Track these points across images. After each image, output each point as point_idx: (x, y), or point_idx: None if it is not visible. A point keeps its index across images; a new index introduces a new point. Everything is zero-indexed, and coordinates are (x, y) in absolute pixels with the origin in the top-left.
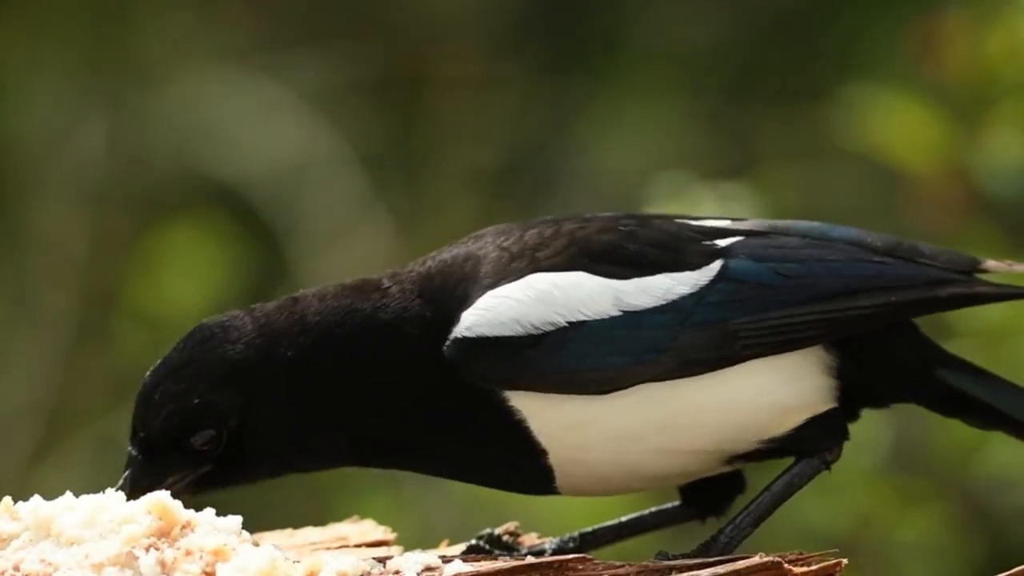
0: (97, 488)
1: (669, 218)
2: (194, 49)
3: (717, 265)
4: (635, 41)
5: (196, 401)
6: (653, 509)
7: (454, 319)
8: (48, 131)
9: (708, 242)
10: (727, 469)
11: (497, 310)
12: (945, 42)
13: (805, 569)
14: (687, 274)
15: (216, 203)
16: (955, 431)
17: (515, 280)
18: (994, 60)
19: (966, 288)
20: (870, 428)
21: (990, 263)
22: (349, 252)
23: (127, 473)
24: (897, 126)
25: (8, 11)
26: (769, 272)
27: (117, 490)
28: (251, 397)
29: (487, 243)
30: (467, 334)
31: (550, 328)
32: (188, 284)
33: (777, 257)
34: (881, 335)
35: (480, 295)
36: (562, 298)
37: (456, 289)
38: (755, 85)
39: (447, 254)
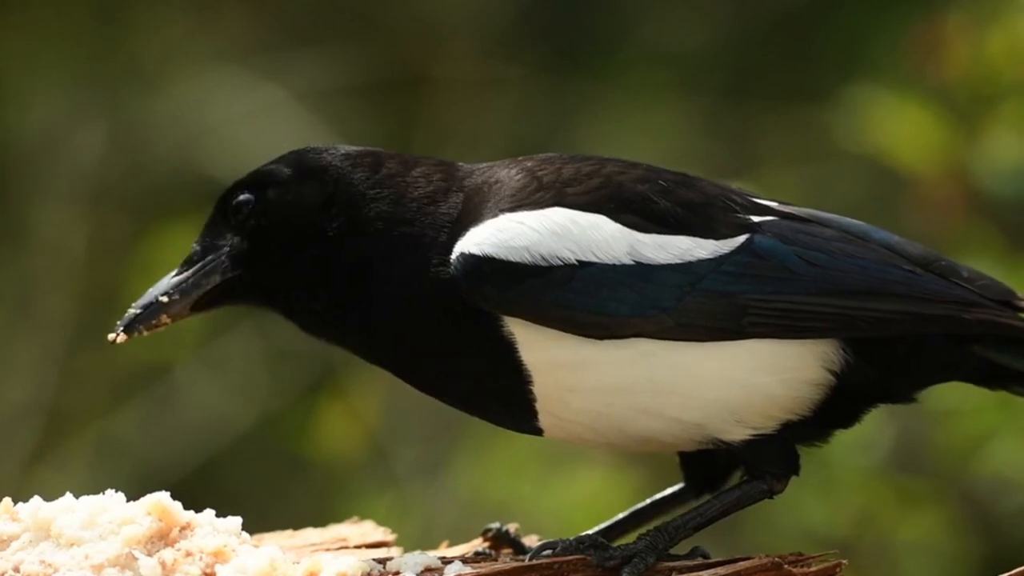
0: (97, 489)
1: (716, 185)
2: (194, 50)
3: (742, 238)
4: (635, 42)
5: None
6: (651, 499)
7: (467, 235)
8: (48, 131)
9: (742, 215)
10: (702, 447)
11: (510, 233)
12: (946, 43)
13: (805, 570)
14: (709, 240)
15: None
16: (955, 432)
17: (535, 209)
18: (994, 61)
19: (995, 315)
20: (870, 428)
21: None
22: None
23: None
24: (898, 127)
25: (8, 12)
26: (792, 255)
27: None
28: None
29: (524, 168)
30: (474, 250)
31: (558, 263)
32: None
33: (805, 243)
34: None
35: (496, 216)
36: (578, 236)
37: (480, 206)
38: (755, 86)
39: (501, 171)
